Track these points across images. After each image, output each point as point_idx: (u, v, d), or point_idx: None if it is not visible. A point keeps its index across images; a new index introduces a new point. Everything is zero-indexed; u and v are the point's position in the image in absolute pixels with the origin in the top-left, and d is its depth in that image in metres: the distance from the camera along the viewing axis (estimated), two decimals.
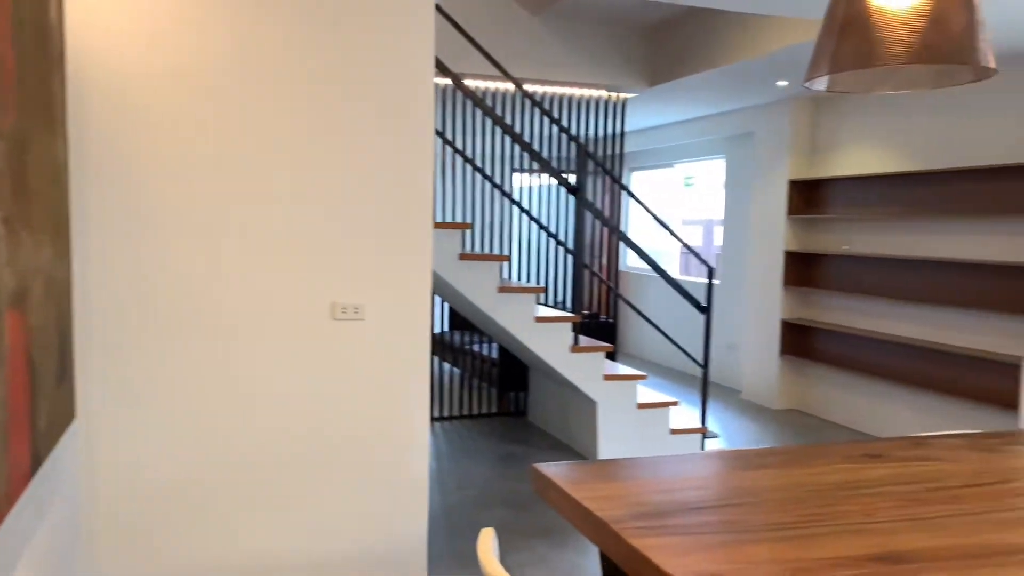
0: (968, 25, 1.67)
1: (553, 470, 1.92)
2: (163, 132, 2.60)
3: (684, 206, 8.75)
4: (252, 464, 2.79)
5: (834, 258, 6.05)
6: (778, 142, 6.38)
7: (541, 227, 4.87)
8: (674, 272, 8.59)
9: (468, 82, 5.82)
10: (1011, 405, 4.55)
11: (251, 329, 2.75)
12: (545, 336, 4.69)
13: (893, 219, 5.46)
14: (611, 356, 6.27)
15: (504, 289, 4.58)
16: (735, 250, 7.40)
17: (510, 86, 5.92)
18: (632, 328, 9.23)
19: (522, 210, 4.83)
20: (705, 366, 5.11)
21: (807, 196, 6.33)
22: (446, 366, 7.85)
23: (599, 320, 6.31)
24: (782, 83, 5.57)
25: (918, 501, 1.73)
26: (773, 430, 5.80)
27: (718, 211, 7.99)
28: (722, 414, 6.30)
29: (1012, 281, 4.64)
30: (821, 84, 1.94)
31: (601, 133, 6.39)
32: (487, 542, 1.58)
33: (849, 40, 1.78)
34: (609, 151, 6.22)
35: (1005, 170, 4.66)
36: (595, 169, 6.85)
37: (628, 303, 5.13)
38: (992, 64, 1.60)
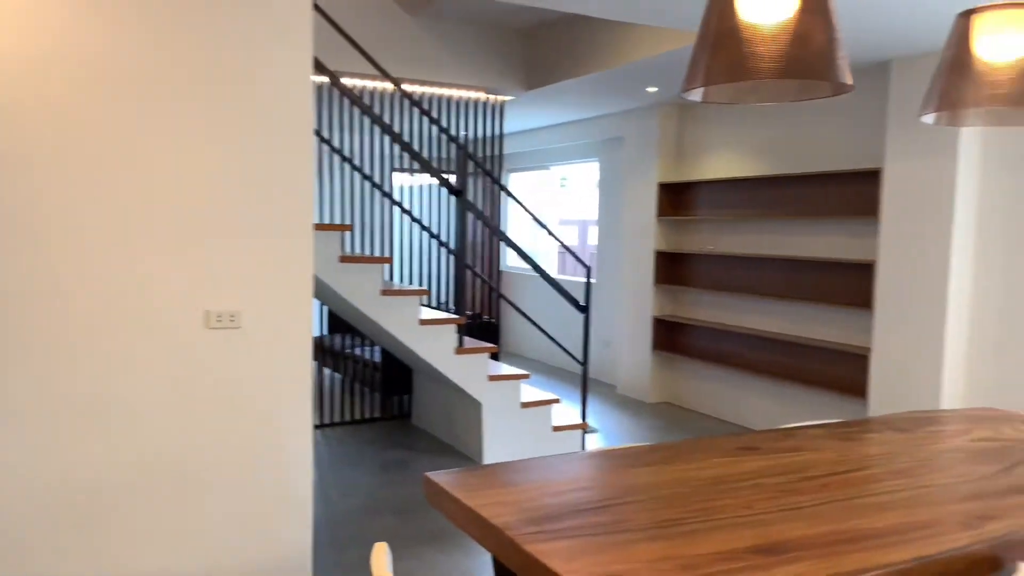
0: (828, 43, 1.79)
1: (445, 478, 1.92)
2: (11, 126, 2.41)
3: (560, 207, 8.93)
4: (118, 485, 2.63)
5: (701, 257, 6.35)
6: (647, 146, 6.62)
7: (423, 228, 4.85)
8: (552, 272, 8.76)
9: (346, 81, 5.70)
10: (861, 392, 4.93)
11: (114, 342, 2.59)
12: (430, 339, 4.67)
13: (753, 220, 5.79)
14: (495, 356, 6.32)
15: (387, 292, 4.53)
16: (609, 250, 7.63)
17: (389, 86, 5.85)
18: (514, 327, 9.34)
19: (403, 211, 4.79)
20: (584, 364, 5.24)
21: (675, 198, 6.61)
22: (326, 371, 7.67)
23: (482, 321, 6.35)
24: (652, 89, 5.79)
25: (791, 491, 1.85)
26: (648, 423, 6.02)
27: (592, 212, 8.20)
28: (600, 409, 6.49)
29: (856, 278, 5.03)
30: (696, 95, 2.04)
31: (481, 134, 6.43)
32: (381, 557, 1.56)
33: (721, 54, 1.87)
34: (489, 152, 6.26)
35: (851, 175, 5.04)
36: (475, 170, 6.89)
37: (510, 303, 5.19)
38: (849, 80, 1.73)
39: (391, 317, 4.55)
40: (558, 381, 7.66)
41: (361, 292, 4.45)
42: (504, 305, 9.44)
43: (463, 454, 5.09)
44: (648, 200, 6.64)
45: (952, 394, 4.37)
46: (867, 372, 4.96)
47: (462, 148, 4.68)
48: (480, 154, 6.23)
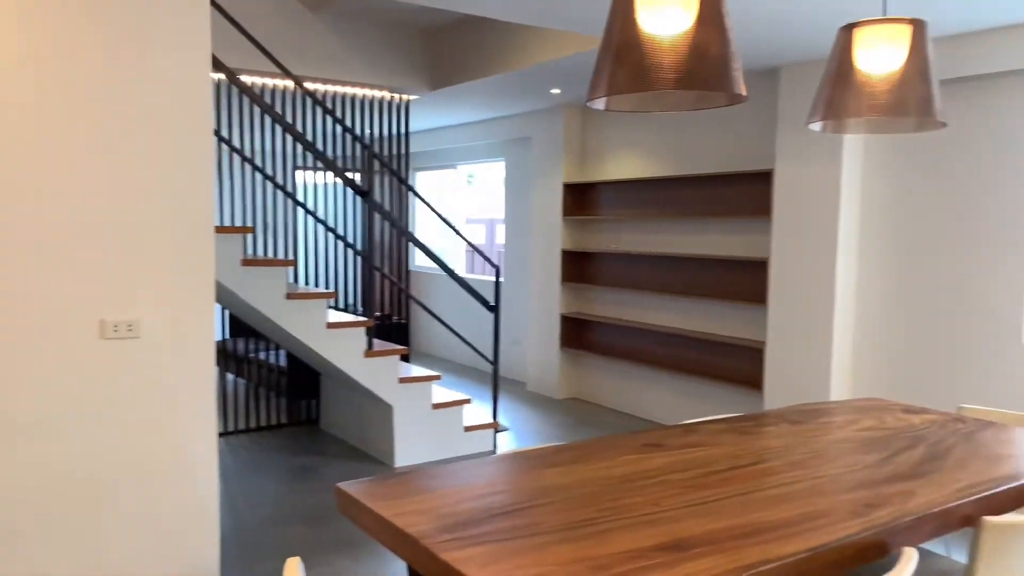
0: (723, 55, 1.87)
1: (357, 488, 1.91)
2: None
3: (468, 205, 8.95)
4: (14, 505, 2.49)
5: (605, 256, 6.50)
6: (553, 147, 6.72)
7: (328, 229, 4.77)
8: (461, 271, 8.77)
9: (247, 79, 5.54)
10: (757, 385, 5.17)
11: (1, 356, 2.44)
12: (338, 343, 4.61)
13: (654, 219, 5.97)
14: (405, 358, 6.28)
15: (292, 296, 4.43)
16: (517, 248, 7.70)
17: (292, 84, 5.71)
18: (424, 327, 9.30)
19: (307, 211, 4.70)
20: (495, 363, 5.28)
21: (580, 198, 6.73)
22: (229, 376, 7.43)
23: (391, 322, 6.30)
24: (555, 91, 5.87)
25: (695, 487, 1.93)
26: (557, 420, 6.12)
27: (500, 211, 8.25)
28: (511, 407, 6.55)
29: (752, 275, 5.26)
30: (600, 104, 2.09)
31: (386, 133, 6.36)
32: (294, 573, 1.54)
33: (624, 65, 1.92)
34: (394, 151, 6.21)
35: (745, 176, 5.27)
36: (381, 169, 6.80)
37: (420, 304, 5.17)
38: (743, 91, 1.81)
39: (297, 321, 4.46)
40: (469, 380, 7.68)
41: (265, 296, 4.35)
42: (414, 305, 9.39)
43: (374, 458, 5.04)
44: (554, 200, 6.74)
45: (840, 383, 4.63)
46: (763, 365, 5.20)
47: (366, 147, 4.63)
48: (386, 153, 6.17)
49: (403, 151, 6.36)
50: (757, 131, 5.23)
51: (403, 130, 6.48)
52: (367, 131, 6.05)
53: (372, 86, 5.90)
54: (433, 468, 2.06)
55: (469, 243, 5.32)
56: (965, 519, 1.84)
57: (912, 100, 2.25)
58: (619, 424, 5.99)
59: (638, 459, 2.18)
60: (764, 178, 5.17)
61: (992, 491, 1.91)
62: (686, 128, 5.75)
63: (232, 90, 5.76)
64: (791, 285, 4.79)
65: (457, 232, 5.16)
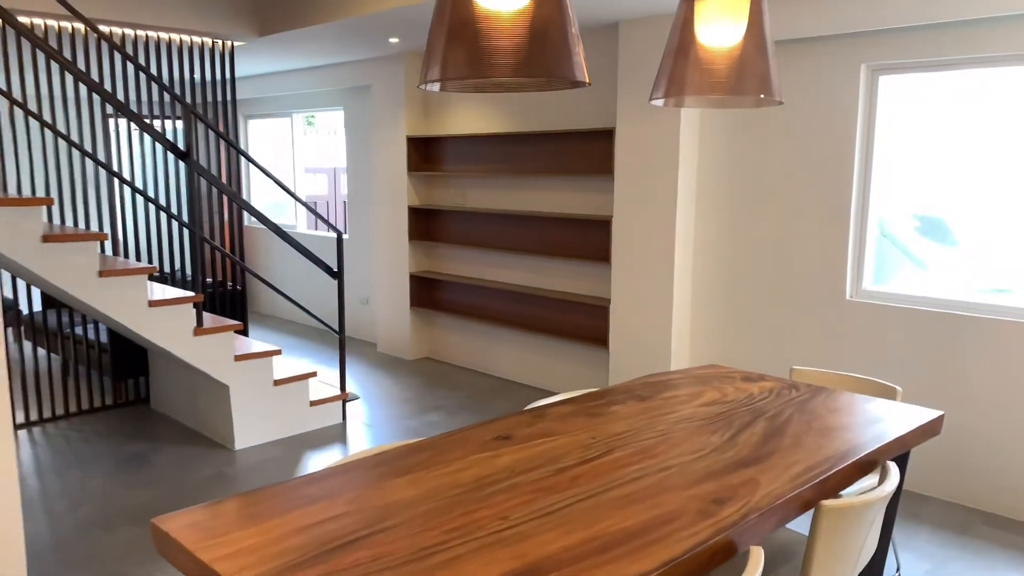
0: (565, 37, 1.74)
1: (176, 525, 1.70)
2: None
3: (307, 153, 8.47)
4: None
5: (453, 213, 6.35)
6: (394, 97, 6.42)
7: (145, 197, 4.30)
8: (303, 226, 8.33)
9: (34, 20, 4.85)
10: (604, 342, 5.26)
11: None
12: (163, 321, 4.22)
13: (500, 176, 5.87)
14: (244, 328, 5.89)
15: (107, 273, 3.99)
16: (361, 203, 7.39)
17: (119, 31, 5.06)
18: (266, 288, 8.82)
19: (120, 179, 4.21)
20: (341, 332, 5.05)
21: (425, 153, 6.51)
22: (41, 353, 6.74)
23: (226, 289, 5.87)
24: (394, 40, 5.56)
25: (544, 489, 1.86)
26: (409, 382, 6.00)
27: (343, 159, 7.86)
28: (361, 370, 6.35)
29: (597, 233, 5.30)
30: (434, 87, 1.92)
31: (208, 80, 5.83)
32: None
33: (459, 47, 1.76)
34: (219, 99, 5.69)
35: (589, 133, 5.25)
36: (214, 129, 6.22)
37: (255, 275, 4.84)
38: (585, 77, 1.70)
39: (113, 300, 4.03)
40: (317, 344, 7.38)
41: (73, 275, 3.88)
42: (255, 265, 8.87)
43: (212, 440, 4.72)
44: (398, 154, 6.47)
45: (680, 340, 4.78)
46: (608, 322, 5.29)
47: (182, 102, 4.19)
48: (210, 102, 5.65)
49: (227, 100, 5.86)
50: (601, 89, 5.20)
51: (228, 78, 5.96)
52: (186, 79, 5.50)
53: (191, 32, 5.34)
54: (264, 492, 1.88)
55: (304, 203, 5.00)
56: (805, 504, 1.89)
57: (752, 79, 2.23)
58: (472, 384, 5.95)
59: (487, 457, 2.10)
60: (607, 136, 5.17)
61: (827, 474, 1.97)
62: None
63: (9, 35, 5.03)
64: (633, 244, 4.86)
65: (289, 192, 4.82)
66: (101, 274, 3.98)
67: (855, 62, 3.94)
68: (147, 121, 4.14)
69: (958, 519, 3.72)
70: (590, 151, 5.29)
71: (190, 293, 4.35)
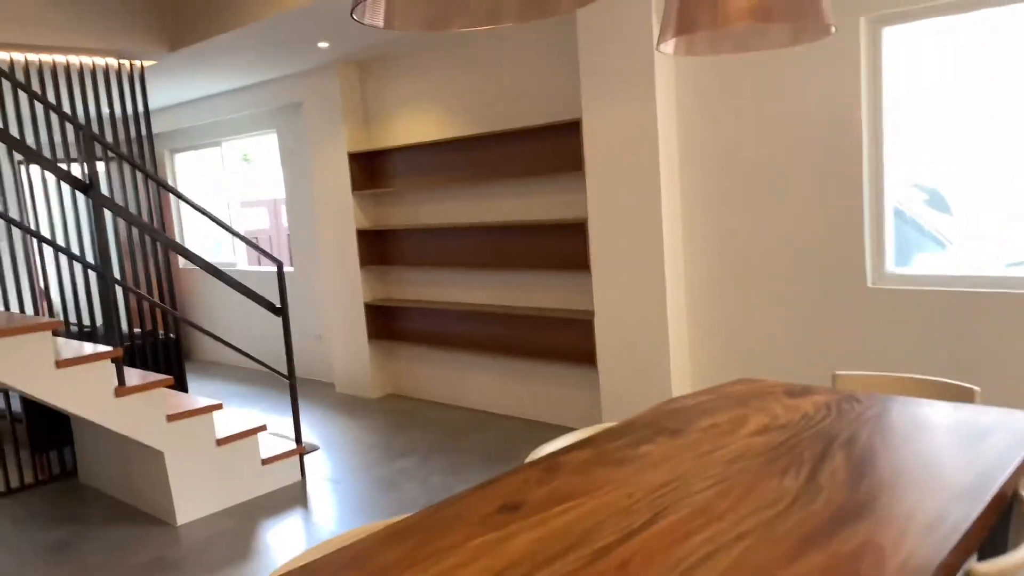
0: None
1: None
2: None
3: (243, 187, 7.81)
4: None
5: (406, 233, 5.77)
6: (330, 112, 5.83)
7: (39, 238, 3.63)
8: (244, 263, 7.65)
9: None
10: (591, 360, 4.71)
11: None
12: (76, 383, 3.55)
13: (456, 186, 5.31)
14: (181, 380, 5.21)
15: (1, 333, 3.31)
16: (305, 231, 6.76)
17: (4, 55, 4.38)
18: (244, 328, 8.06)
19: (6, 220, 3.54)
20: (291, 376, 4.42)
21: (369, 169, 5.92)
22: None
23: (156, 339, 5.17)
24: (323, 45, 4.97)
25: None
26: (373, 425, 5.37)
27: (281, 191, 7.22)
28: (319, 416, 5.70)
29: (572, 239, 4.77)
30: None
31: (119, 111, 5.17)
32: None
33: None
34: (132, 131, 5.05)
35: (553, 128, 4.73)
36: (117, 155, 5.51)
37: (186, 320, 4.18)
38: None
39: (9, 365, 3.35)
40: (269, 390, 6.70)
41: None
42: (193, 308, 8.14)
43: (151, 517, 4.03)
44: (340, 173, 5.87)
45: (680, 351, 4.26)
46: (594, 338, 4.74)
47: (79, 126, 3.55)
48: (124, 134, 4.98)
49: (141, 126, 5.20)
50: (561, 74, 4.69)
51: (140, 104, 5.31)
52: (93, 109, 4.83)
53: (92, 51, 4.69)
54: None
55: (237, 234, 4.37)
56: (949, 573, 1.35)
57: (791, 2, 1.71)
58: (444, 420, 5.34)
59: (495, 541, 1.52)
60: (573, 129, 4.65)
61: (968, 522, 1.44)
62: (482, 78, 5.10)
63: None
64: (613, 246, 4.33)
65: (220, 223, 4.20)
66: None
67: (853, 14, 3.48)
68: (51, 160, 3.49)
69: None
70: (555, 148, 4.77)
71: (106, 347, 3.69)
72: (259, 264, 7.66)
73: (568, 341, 4.92)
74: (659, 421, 2.21)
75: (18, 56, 4.56)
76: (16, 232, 6.53)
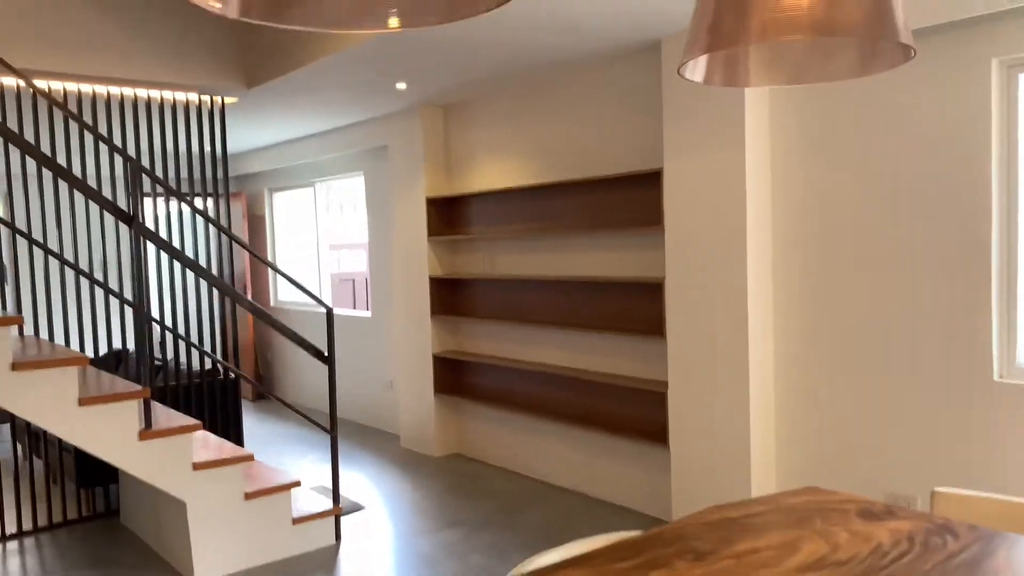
0: None
1: None
2: None
3: (338, 229, 7.80)
4: None
5: (480, 283, 5.45)
6: (412, 156, 5.65)
7: (83, 274, 3.54)
8: (329, 302, 7.54)
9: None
10: (659, 437, 4.18)
11: None
12: (98, 423, 3.38)
13: (533, 236, 4.97)
14: (235, 425, 5.06)
15: (22, 365, 3.20)
16: (383, 277, 6.58)
17: (87, 87, 4.46)
18: (286, 368, 8.02)
19: (47, 252, 3.47)
20: (332, 429, 4.13)
21: (447, 215, 5.68)
22: (22, 453, 6.02)
23: (216, 377, 5.03)
24: (401, 86, 4.79)
25: None
26: (430, 485, 5.01)
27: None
28: (379, 469, 5.40)
29: (648, 300, 4.30)
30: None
31: (196, 146, 5.17)
32: None
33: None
34: (210, 166, 5.01)
35: (633, 178, 4.32)
36: (213, 191, 5.48)
37: (224, 364, 3.99)
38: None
39: (33, 399, 3.22)
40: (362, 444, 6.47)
41: None
42: (281, 343, 8.12)
43: (172, 568, 3.81)
44: (417, 218, 5.66)
45: (762, 433, 3.68)
46: (667, 413, 4.22)
47: (127, 157, 3.45)
48: (201, 168, 4.95)
49: (219, 169, 5.17)
50: (643, 120, 4.29)
51: (219, 140, 5.30)
52: (178, 144, 4.81)
53: (171, 86, 4.70)
54: None
55: (289, 279, 4.18)
56: None
57: (853, 9, 1.26)
58: (505, 489, 4.91)
59: None
60: (654, 180, 4.22)
61: None
62: (563, 124, 4.76)
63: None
64: (692, 311, 3.83)
65: (274, 268, 4.02)
66: (14, 367, 3.18)
67: (984, 56, 2.93)
68: (97, 191, 3.40)
69: None
70: (634, 200, 4.35)
71: (135, 387, 3.52)
72: (353, 308, 7.54)
73: (639, 414, 4.42)
74: (689, 536, 1.73)
75: (101, 89, 4.61)
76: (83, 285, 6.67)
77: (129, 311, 7.49)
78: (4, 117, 3.85)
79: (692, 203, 3.79)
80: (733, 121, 3.58)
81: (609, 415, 4.59)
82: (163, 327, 4.42)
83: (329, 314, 4.11)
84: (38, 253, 6.75)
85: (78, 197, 6.57)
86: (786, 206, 3.63)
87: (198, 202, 6.65)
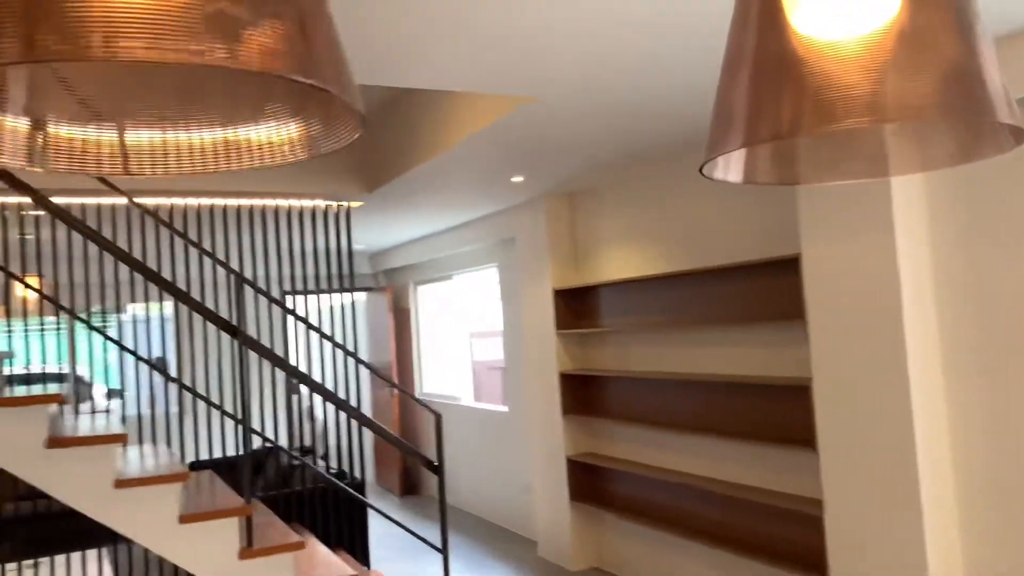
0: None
1: None
2: None
3: (479, 318, 7.72)
4: None
5: (612, 379, 5.05)
6: (537, 246, 5.44)
7: (198, 396, 3.55)
8: (469, 398, 7.40)
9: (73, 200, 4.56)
10: (819, 565, 3.52)
11: None
12: (197, 541, 3.32)
13: (662, 329, 4.53)
14: (361, 532, 4.91)
15: (125, 483, 3.20)
16: (517, 371, 6.33)
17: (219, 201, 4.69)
18: (456, 470, 7.65)
19: (135, 356, 3.51)
20: (444, 549, 3.85)
21: (575, 307, 5.36)
22: None
23: (342, 479, 4.93)
24: (517, 179, 4.61)
25: None
26: None
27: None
28: None
29: (785, 403, 3.72)
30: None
31: (321, 245, 5.26)
32: None
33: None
34: (335, 266, 5.07)
35: (765, 265, 3.81)
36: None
37: (336, 484, 3.85)
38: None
39: (131, 517, 3.21)
40: (500, 546, 6.17)
41: (83, 488, 3.14)
42: (450, 442, 8.03)
43: None
44: (545, 310, 5.40)
45: (944, 560, 2.97)
46: (824, 535, 3.57)
47: (231, 270, 3.47)
48: (331, 269, 5.01)
49: (344, 266, 5.21)
50: (774, 201, 3.81)
51: (345, 242, 5.36)
52: (306, 246, 4.93)
53: (301, 195, 4.82)
54: None
55: (369, 367, 4.01)
56: None
57: (933, 86, 0.84)
58: None
59: None
60: (791, 266, 3.71)
61: None
62: (696, 208, 4.37)
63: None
64: (847, 418, 3.23)
65: (354, 356, 3.87)
66: (117, 484, 3.19)
67: None
68: (200, 302, 3.46)
69: None
70: (770, 288, 3.84)
71: (240, 502, 3.44)
72: (479, 402, 7.34)
73: (790, 537, 3.78)
74: None
75: (233, 201, 4.80)
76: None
77: (282, 406, 7.72)
78: (119, 232, 4.04)
79: (838, 293, 3.25)
80: (879, 200, 3.04)
81: (758, 537, 3.97)
82: (250, 434, 4.39)
83: (438, 420, 3.88)
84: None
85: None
86: (953, 295, 2.99)
87: (335, 298, 6.78)
